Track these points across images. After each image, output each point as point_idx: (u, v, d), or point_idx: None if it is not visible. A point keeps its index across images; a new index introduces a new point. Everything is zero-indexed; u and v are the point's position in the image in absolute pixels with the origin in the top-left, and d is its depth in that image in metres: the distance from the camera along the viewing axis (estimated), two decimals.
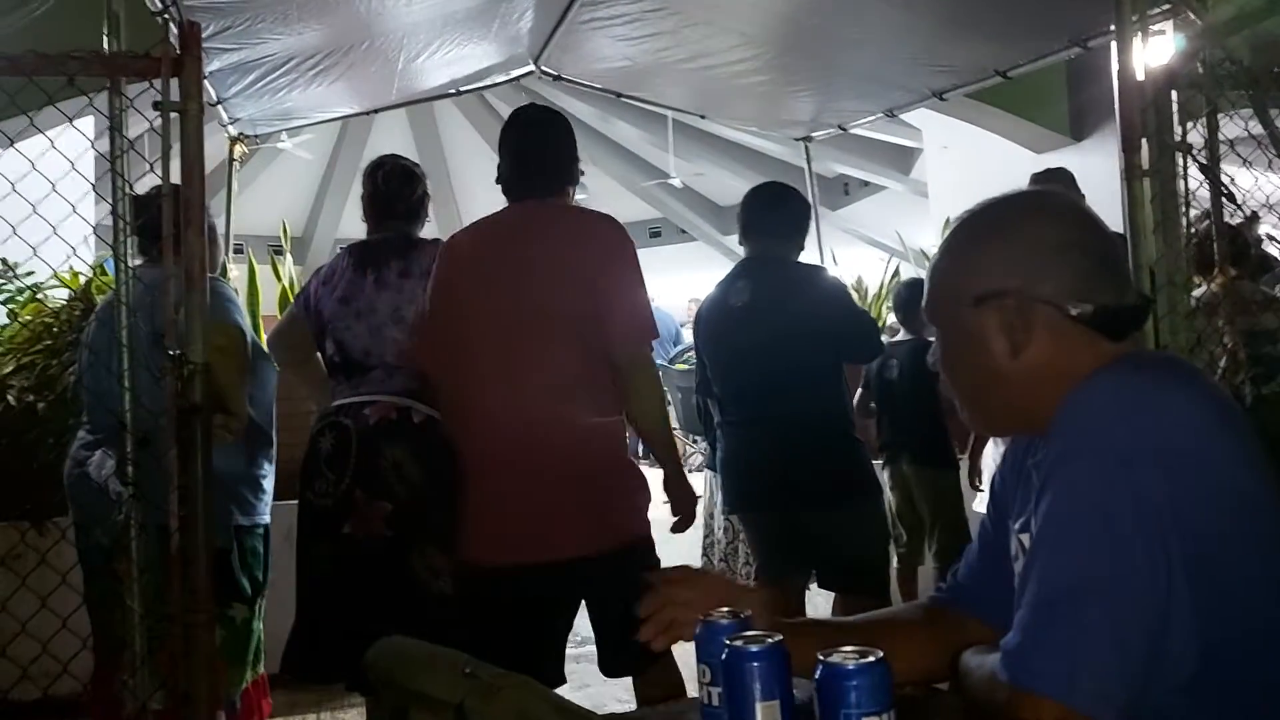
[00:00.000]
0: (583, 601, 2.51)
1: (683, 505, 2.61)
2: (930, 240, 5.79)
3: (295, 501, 2.90)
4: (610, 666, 2.52)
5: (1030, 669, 0.98)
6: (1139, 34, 2.34)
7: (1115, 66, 2.36)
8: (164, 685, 2.26)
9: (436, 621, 2.56)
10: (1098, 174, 3.37)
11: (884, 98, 4.86)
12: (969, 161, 6.14)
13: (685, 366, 7.78)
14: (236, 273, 4.62)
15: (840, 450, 3.19)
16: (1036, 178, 3.66)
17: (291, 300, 4.99)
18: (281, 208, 11.39)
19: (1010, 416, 1.19)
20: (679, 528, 2.63)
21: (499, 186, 2.61)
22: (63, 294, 4.19)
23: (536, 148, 2.60)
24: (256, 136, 4.98)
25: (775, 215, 3.34)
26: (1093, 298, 1.10)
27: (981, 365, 1.15)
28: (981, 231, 1.18)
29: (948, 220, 5.41)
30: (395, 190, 2.99)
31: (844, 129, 5.42)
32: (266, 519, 2.99)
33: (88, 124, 3.99)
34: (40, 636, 2.40)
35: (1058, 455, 1.03)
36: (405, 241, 2.95)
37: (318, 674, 2.89)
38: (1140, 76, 2.34)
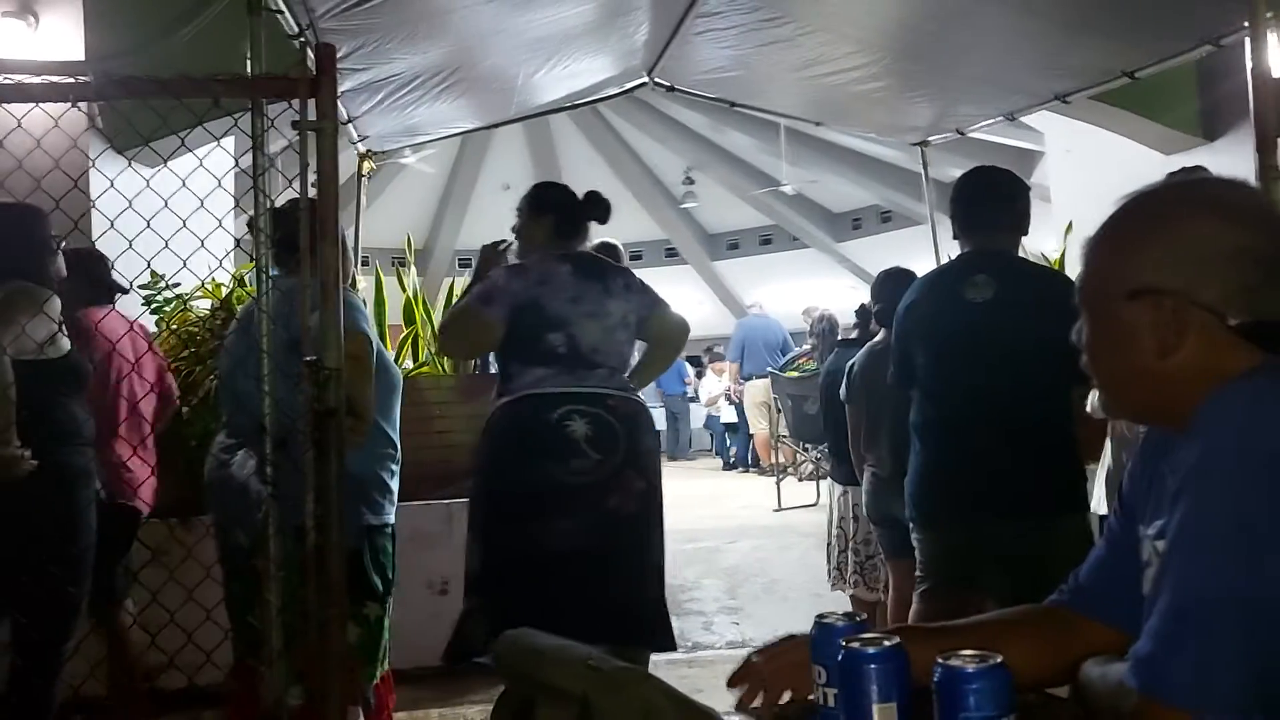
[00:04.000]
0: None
1: None
2: (1053, 245, 5.61)
3: (423, 503, 3.00)
4: None
5: (1162, 679, 0.97)
6: (1275, 30, 2.26)
7: (1249, 64, 2.29)
8: (300, 680, 2.36)
9: (657, 588, 3.07)
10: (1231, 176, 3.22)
11: (1003, 101, 4.75)
12: (1094, 164, 5.93)
13: (796, 374, 7.72)
14: (365, 284, 4.79)
15: (1058, 463, 2.98)
16: (1173, 177, 3.49)
17: (415, 309, 5.16)
18: (405, 221, 11.72)
19: (1145, 411, 1.18)
20: None
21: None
22: (206, 303, 4.40)
23: None
24: (384, 152, 5.16)
25: (1002, 205, 3.14)
26: (1258, 309, 1.05)
27: (1125, 360, 1.11)
28: (1149, 222, 1.11)
29: (1070, 224, 5.21)
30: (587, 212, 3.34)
31: (962, 133, 5.32)
32: (393, 519, 3.10)
33: (228, 142, 4.22)
34: (186, 627, 2.55)
35: (1196, 460, 1.01)
36: (614, 258, 3.49)
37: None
38: (1277, 74, 2.26)
